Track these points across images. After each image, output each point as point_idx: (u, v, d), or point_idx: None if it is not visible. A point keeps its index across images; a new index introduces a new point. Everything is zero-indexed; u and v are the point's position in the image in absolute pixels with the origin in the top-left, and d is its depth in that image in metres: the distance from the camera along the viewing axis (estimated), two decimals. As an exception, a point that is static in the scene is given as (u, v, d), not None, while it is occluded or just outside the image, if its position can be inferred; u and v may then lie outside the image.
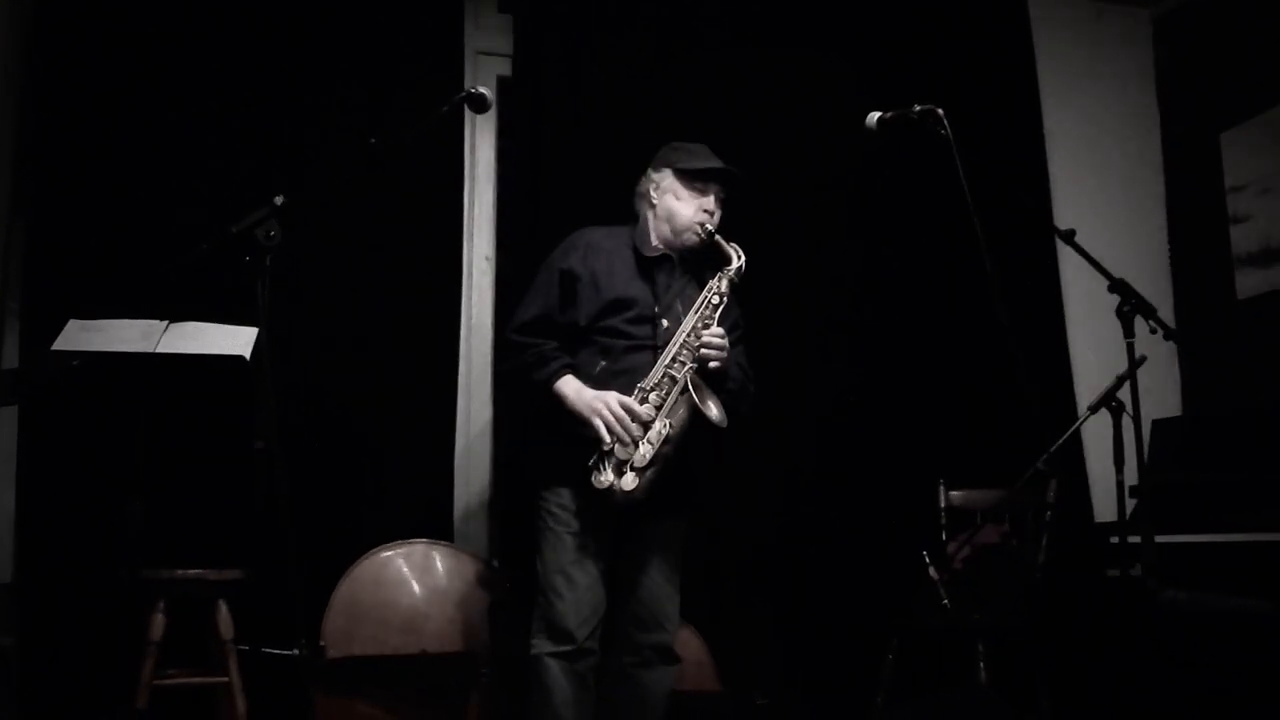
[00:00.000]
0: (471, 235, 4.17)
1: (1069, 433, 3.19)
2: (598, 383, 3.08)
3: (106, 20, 3.70)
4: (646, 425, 2.99)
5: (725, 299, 3.14)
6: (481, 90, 2.98)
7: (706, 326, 3.09)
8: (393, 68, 3.99)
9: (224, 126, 3.77)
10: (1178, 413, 4.75)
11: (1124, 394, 3.00)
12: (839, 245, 4.40)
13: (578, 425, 3.03)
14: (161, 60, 3.74)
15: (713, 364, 3.06)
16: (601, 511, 3.03)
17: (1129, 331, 3.01)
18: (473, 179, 4.21)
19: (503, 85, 4.24)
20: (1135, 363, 2.98)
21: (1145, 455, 3.04)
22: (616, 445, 2.98)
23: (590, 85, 4.16)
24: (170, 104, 3.73)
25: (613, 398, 3.02)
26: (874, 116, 3.17)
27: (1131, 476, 3.00)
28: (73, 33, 3.67)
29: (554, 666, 3.02)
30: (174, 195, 3.68)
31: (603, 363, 3.13)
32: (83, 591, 3.37)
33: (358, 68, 3.96)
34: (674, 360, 3.06)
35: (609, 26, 4.23)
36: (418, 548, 3.58)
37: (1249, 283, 4.61)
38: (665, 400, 3.02)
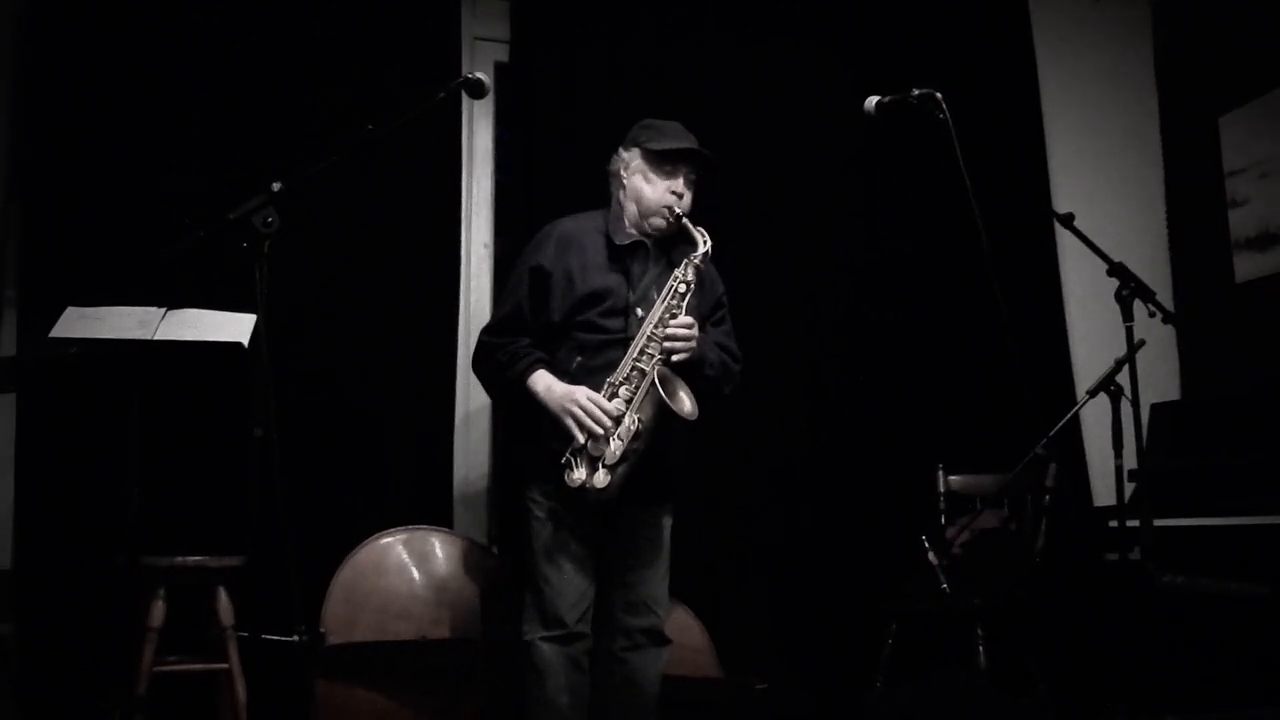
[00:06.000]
0: (470, 222, 4.16)
1: (1068, 417, 3.19)
2: (574, 379, 3.05)
3: (102, 3, 3.69)
4: (617, 420, 2.97)
5: (692, 287, 3.08)
6: (479, 76, 2.96)
7: (674, 316, 3.03)
8: (390, 54, 3.97)
9: (221, 113, 3.76)
10: (1176, 397, 4.76)
11: (1123, 378, 3.01)
12: (838, 230, 4.40)
13: (551, 423, 3.02)
14: (158, 47, 3.73)
15: (677, 356, 3.02)
16: (581, 504, 3.03)
17: (1128, 315, 3.01)
18: (470, 165, 4.19)
19: (500, 71, 4.23)
20: (1134, 347, 2.99)
21: (1144, 439, 3.04)
22: (589, 442, 2.97)
23: (588, 71, 4.16)
24: (166, 91, 3.72)
25: (581, 394, 2.99)
26: (872, 101, 3.17)
27: (1130, 460, 3.00)
28: (68, 17, 3.65)
29: (547, 650, 3.04)
30: (171, 182, 3.67)
31: (579, 359, 3.10)
32: (82, 578, 3.37)
33: (355, 54, 3.94)
34: (642, 353, 3.02)
35: (606, 12, 4.22)
36: (417, 534, 3.58)
37: (1247, 266, 4.61)
38: (634, 395, 2.99)
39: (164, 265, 3.11)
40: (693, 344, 3.05)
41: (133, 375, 3.17)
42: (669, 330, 3.01)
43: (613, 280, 3.16)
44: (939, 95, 3.01)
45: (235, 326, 3.16)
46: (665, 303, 3.06)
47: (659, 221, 3.19)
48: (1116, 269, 3.03)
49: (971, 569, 3.69)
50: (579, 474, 2.96)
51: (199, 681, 3.28)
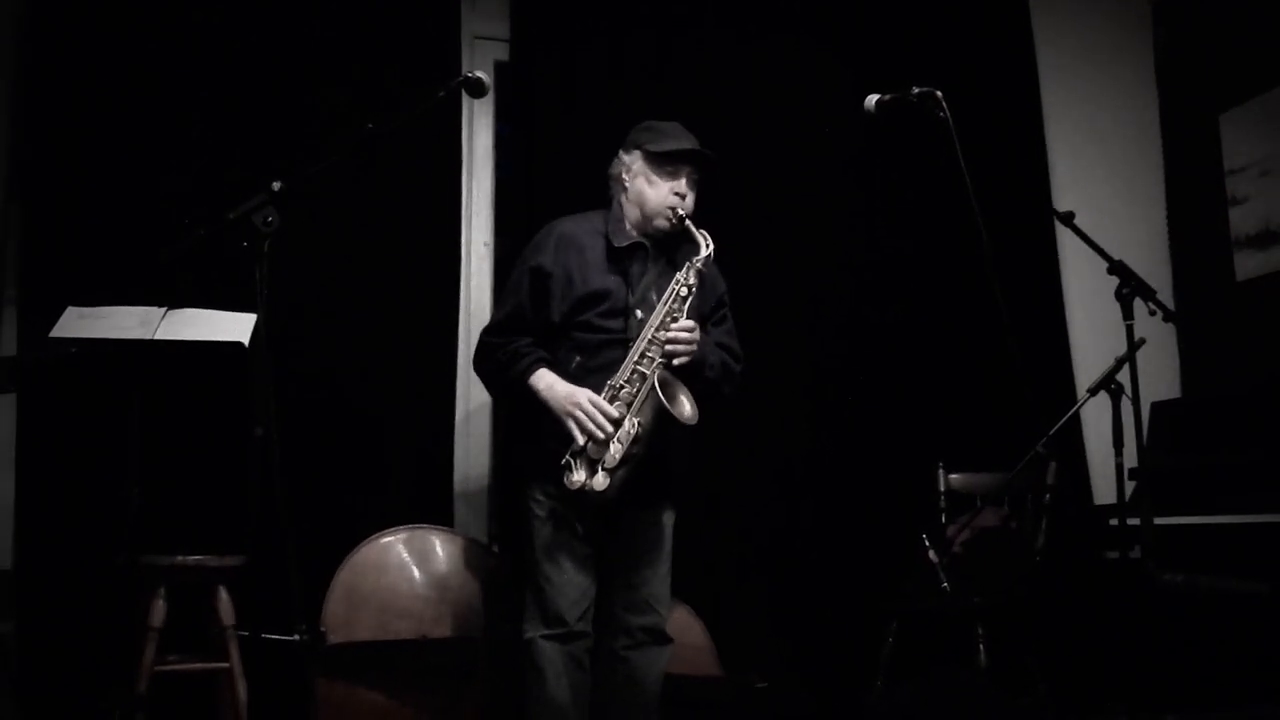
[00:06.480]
0: (470, 221, 4.16)
1: (1068, 415, 3.20)
2: (573, 379, 3.05)
3: (102, 3, 3.69)
4: (616, 423, 2.96)
5: (693, 291, 3.07)
6: (479, 75, 2.97)
7: (675, 320, 3.03)
8: (390, 53, 3.97)
9: (221, 113, 3.76)
10: (1176, 395, 4.75)
11: (1123, 376, 3.01)
12: (838, 230, 4.39)
13: (552, 423, 3.02)
14: (158, 47, 3.73)
15: (678, 360, 3.01)
16: (582, 504, 3.04)
17: (1128, 314, 3.01)
18: (470, 164, 4.19)
19: (500, 70, 4.22)
20: (1134, 345, 2.98)
21: (1144, 438, 3.04)
22: (589, 445, 2.96)
23: (588, 69, 4.16)
24: (166, 91, 3.72)
25: (583, 396, 2.99)
26: (872, 99, 3.17)
27: (1131, 459, 3.00)
28: (68, 17, 3.65)
29: (547, 648, 3.04)
30: (171, 182, 3.67)
31: (578, 359, 3.10)
32: (82, 578, 3.37)
33: (355, 54, 3.95)
34: (642, 356, 3.01)
35: (606, 11, 4.22)
36: (417, 533, 3.58)
37: (1248, 265, 4.61)
38: (635, 398, 2.98)
39: (164, 265, 3.11)
40: (694, 347, 3.05)
41: (133, 375, 3.16)
42: (670, 334, 3.01)
43: (612, 281, 3.16)
44: (939, 93, 3.01)
45: (235, 326, 3.15)
46: (667, 306, 3.05)
47: (663, 223, 3.19)
48: (1117, 267, 3.03)
49: (972, 567, 3.68)
50: (578, 476, 2.96)
51: (199, 681, 3.28)
